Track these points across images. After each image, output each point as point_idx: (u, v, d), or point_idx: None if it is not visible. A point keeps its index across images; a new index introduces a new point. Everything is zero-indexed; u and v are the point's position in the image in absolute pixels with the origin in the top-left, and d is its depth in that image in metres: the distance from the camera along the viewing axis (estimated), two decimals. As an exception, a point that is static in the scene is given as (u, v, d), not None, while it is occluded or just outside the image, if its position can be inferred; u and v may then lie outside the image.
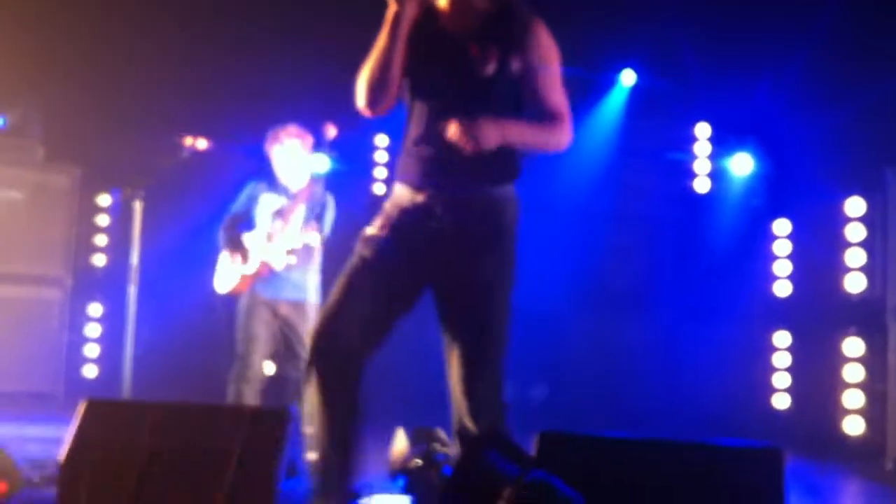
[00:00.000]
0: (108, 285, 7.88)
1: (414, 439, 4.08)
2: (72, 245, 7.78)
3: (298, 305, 5.34)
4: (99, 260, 8.12)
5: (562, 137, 3.13)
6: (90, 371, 7.97)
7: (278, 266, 5.37)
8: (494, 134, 2.95)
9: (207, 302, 6.00)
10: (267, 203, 5.55)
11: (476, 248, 3.06)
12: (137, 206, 5.49)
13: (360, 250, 3.10)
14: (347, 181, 6.29)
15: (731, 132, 7.82)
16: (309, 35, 7.45)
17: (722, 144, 7.96)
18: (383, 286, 3.04)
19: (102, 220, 8.11)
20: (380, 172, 8.50)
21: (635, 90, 7.92)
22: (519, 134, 3.05)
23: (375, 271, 3.05)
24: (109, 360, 7.65)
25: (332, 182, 5.66)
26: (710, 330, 7.52)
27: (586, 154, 7.42)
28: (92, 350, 7.97)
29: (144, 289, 5.71)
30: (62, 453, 3.03)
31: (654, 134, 8.11)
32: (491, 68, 3.03)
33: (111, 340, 7.63)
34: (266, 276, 5.40)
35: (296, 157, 5.55)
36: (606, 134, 7.85)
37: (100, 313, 8.01)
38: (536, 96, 3.12)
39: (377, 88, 3.05)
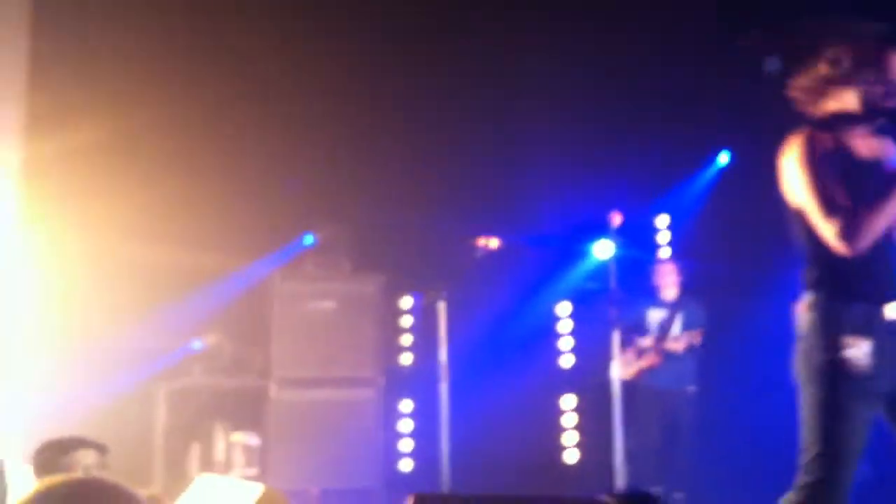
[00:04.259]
0: (417, 382, 8.30)
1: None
2: (380, 347, 8.28)
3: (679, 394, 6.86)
4: (406, 359, 8.59)
5: None
6: (406, 465, 8.36)
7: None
8: None
9: (517, 393, 6.22)
10: (652, 315, 7.10)
11: None
12: (441, 308, 5.83)
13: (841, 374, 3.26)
14: (633, 264, 6.53)
15: None
16: (585, 126, 7.68)
17: None
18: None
19: (406, 321, 8.62)
20: (664, 252, 8.53)
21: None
22: None
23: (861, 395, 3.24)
24: (424, 454, 8.00)
25: (620, 266, 5.85)
26: None
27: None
28: (406, 445, 8.38)
29: (454, 384, 6.01)
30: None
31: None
32: None
33: (424, 435, 7.99)
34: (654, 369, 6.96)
35: (671, 280, 7.13)
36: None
37: (410, 409, 8.42)
38: None
39: (873, 238, 3.26)
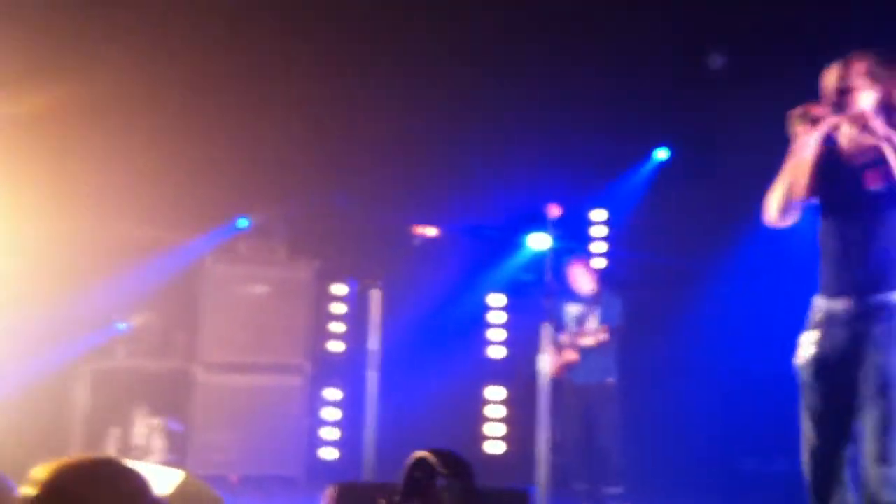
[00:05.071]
0: (346, 371, 8.20)
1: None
2: (311, 334, 8.17)
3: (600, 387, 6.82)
4: (336, 346, 8.49)
5: None
6: (329, 454, 8.27)
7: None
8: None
9: (447, 384, 6.16)
10: (569, 310, 7.01)
11: (879, 346, 3.51)
12: (375, 295, 5.74)
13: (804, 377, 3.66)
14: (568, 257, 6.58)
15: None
16: (526, 119, 7.65)
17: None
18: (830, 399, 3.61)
19: (339, 308, 8.51)
20: (597, 246, 8.57)
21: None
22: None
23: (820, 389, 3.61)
24: (348, 443, 7.91)
25: (557, 258, 5.86)
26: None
27: None
28: (331, 433, 8.28)
29: (384, 373, 5.93)
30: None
31: None
32: (879, 186, 3.59)
33: (350, 424, 7.91)
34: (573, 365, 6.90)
35: (582, 276, 7.00)
36: None
37: (338, 398, 8.33)
38: None
39: (786, 209, 3.72)
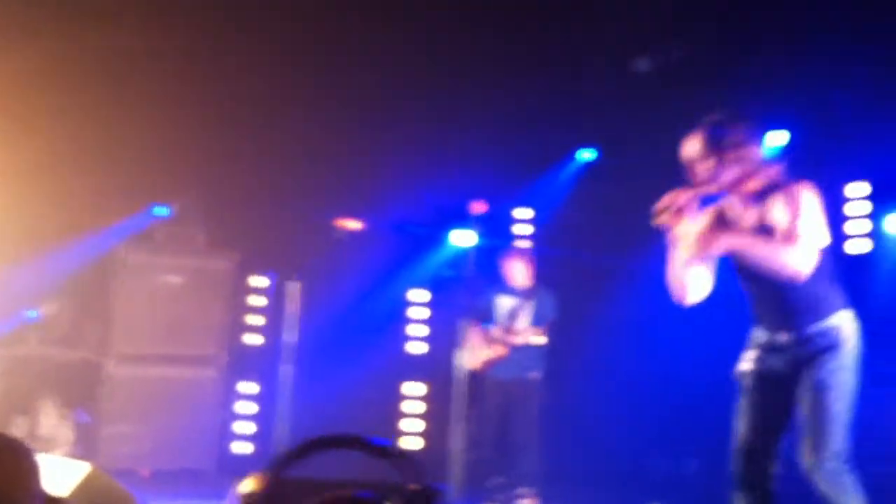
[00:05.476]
0: (263, 364, 8.07)
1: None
2: (227, 326, 8.02)
3: (523, 382, 6.65)
4: (254, 339, 8.34)
5: (787, 258, 3.58)
6: (243, 448, 8.12)
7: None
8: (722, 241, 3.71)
9: (364, 379, 6.10)
10: (501, 303, 6.81)
11: (819, 365, 3.68)
12: (294, 288, 5.65)
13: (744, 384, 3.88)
14: (492, 253, 6.57)
15: (890, 189, 7.54)
16: (452, 116, 7.63)
17: (878, 203, 7.65)
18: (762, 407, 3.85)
19: (257, 301, 8.36)
20: (521, 243, 8.59)
21: (789, 149, 7.74)
22: (742, 243, 3.69)
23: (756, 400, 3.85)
24: (263, 437, 7.79)
25: (479, 254, 5.85)
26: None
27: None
28: (245, 427, 8.14)
29: (300, 367, 5.84)
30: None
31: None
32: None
33: (265, 418, 7.78)
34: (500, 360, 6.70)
35: (519, 270, 6.79)
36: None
37: (254, 391, 8.19)
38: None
39: (678, 290, 3.86)
